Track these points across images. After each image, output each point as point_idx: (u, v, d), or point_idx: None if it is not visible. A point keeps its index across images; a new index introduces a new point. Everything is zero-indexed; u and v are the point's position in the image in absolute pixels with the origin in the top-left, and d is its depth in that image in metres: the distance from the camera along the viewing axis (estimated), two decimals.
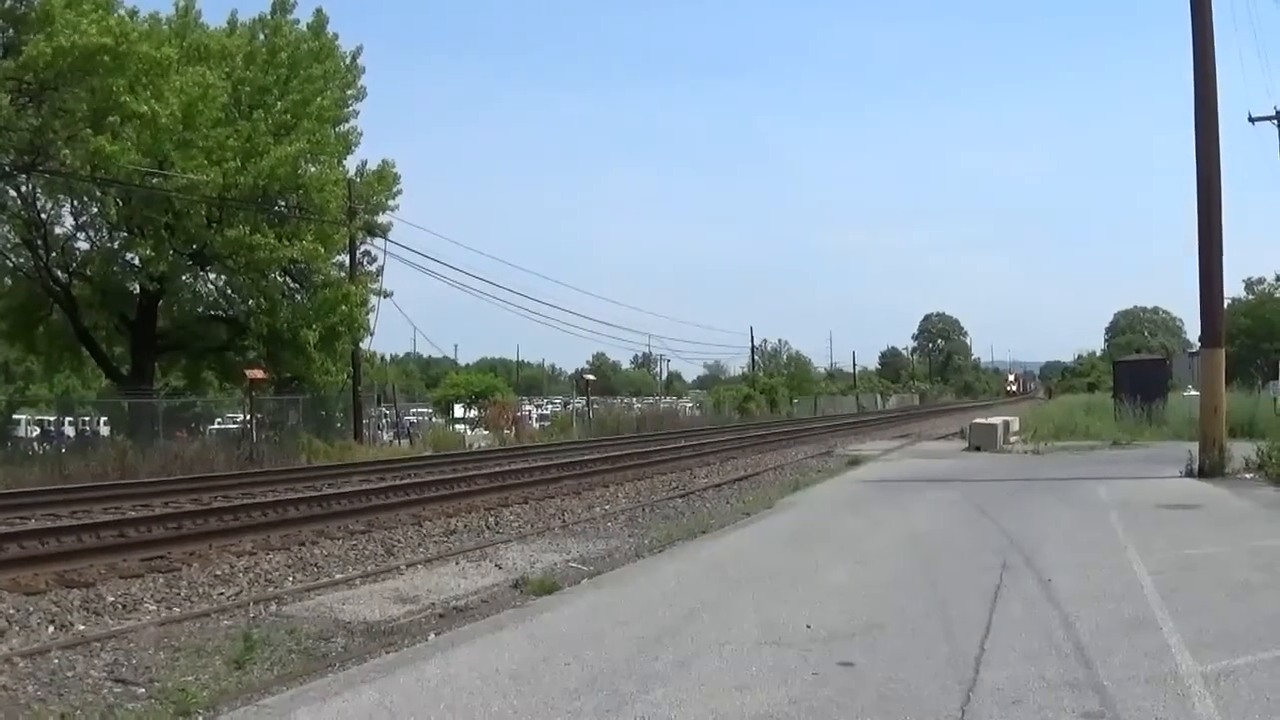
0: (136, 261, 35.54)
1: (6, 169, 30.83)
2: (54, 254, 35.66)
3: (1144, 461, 24.54)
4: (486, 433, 49.91)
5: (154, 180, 32.81)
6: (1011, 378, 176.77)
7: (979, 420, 36.01)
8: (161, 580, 12.32)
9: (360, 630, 9.34)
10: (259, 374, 34.29)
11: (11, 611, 10.39)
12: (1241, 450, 21.20)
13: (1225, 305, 25.99)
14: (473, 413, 59.15)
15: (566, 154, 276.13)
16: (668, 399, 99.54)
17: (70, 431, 38.25)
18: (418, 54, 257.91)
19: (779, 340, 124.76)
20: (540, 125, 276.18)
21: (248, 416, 35.68)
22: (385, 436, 45.96)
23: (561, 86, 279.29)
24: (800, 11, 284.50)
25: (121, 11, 31.43)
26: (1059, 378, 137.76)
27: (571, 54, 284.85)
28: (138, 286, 36.01)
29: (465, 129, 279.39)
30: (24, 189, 34.45)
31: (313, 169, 37.08)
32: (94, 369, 41.88)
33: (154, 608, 10.86)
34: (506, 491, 21.87)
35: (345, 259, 40.50)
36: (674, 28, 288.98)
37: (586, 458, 31.43)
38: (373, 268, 41.79)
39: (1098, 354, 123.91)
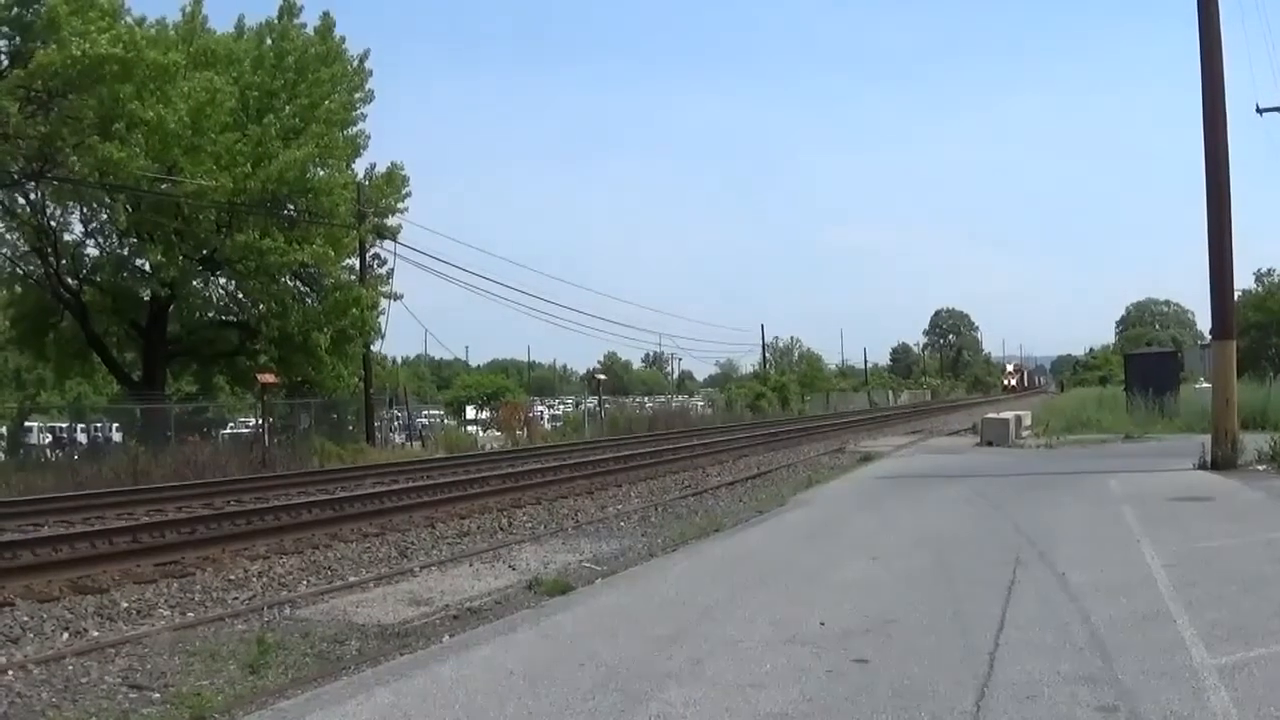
0: (146, 267, 35.62)
1: (15, 177, 30.90)
2: (64, 261, 35.75)
3: (1156, 455, 24.49)
4: (499, 434, 49.97)
5: (163, 186, 32.89)
6: (1010, 368, 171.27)
7: (991, 415, 35.96)
8: (175, 585, 12.34)
9: (374, 633, 9.36)
10: (270, 378, 34.33)
11: (26, 619, 10.43)
12: (1254, 442, 21.14)
13: (1236, 297, 25.91)
14: (485, 414, 59.21)
15: (574, 153, 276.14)
16: (679, 398, 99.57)
17: (82, 438, 38.43)
18: (421, 53, 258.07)
19: (790, 338, 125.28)
20: (547, 124, 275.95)
21: (260, 421, 35.72)
22: (397, 439, 46.00)
23: (568, 83, 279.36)
24: (806, 6, 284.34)
25: (129, 19, 31.56)
26: (1070, 371, 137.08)
27: (577, 49, 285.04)
28: (148, 292, 36.04)
29: (470, 128, 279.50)
30: (33, 196, 34.62)
31: (321, 172, 37.19)
32: (105, 375, 41.98)
33: (168, 613, 10.88)
34: (519, 492, 21.89)
35: (355, 262, 40.60)
36: (681, 23, 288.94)
37: (599, 457, 31.45)
38: (383, 270, 41.92)
39: (1109, 347, 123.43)
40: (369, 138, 39.94)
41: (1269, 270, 66.28)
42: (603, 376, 70.86)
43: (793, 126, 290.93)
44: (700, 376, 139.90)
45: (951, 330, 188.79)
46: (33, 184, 32.58)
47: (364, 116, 39.92)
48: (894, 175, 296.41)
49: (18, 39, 29.45)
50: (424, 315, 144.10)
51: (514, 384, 73.03)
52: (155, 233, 34.48)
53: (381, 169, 41.51)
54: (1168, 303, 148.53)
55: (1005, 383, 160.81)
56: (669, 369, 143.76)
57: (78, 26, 28.34)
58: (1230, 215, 20.95)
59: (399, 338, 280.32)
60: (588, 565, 12.71)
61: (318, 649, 8.82)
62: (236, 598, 11.65)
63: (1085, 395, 55.09)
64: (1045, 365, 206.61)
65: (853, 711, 6.19)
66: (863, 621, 8.45)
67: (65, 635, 9.93)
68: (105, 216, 35.63)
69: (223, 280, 38.78)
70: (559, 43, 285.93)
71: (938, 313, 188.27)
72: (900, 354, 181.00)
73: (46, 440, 38.36)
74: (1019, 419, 35.26)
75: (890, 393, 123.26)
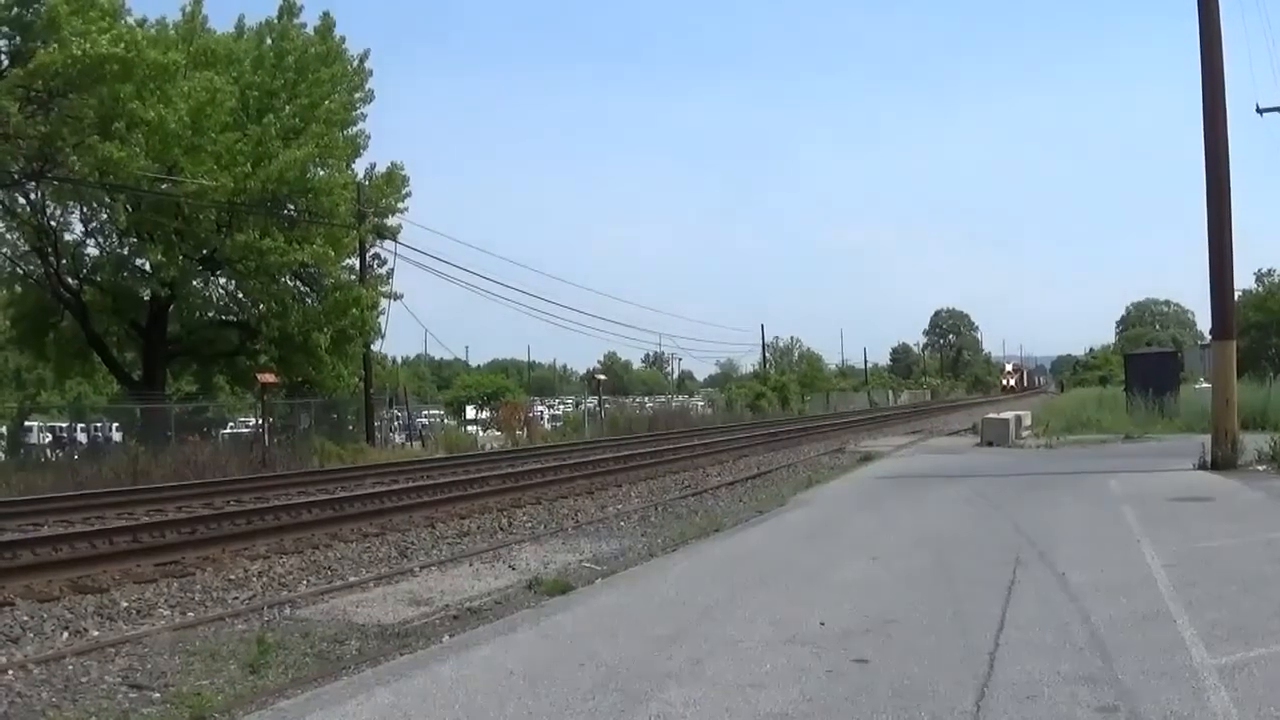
0: (147, 267, 35.64)
1: (15, 176, 30.90)
2: (64, 261, 35.75)
3: (1156, 455, 24.48)
4: (499, 434, 49.97)
5: (163, 186, 32.88)
6: (1009, 368, 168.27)
7: (991, 415, 35.96)
8: (175, 585, 12.35)
9: (374, 633, 9.36)
10: (270, 378, 34.33)
11: (26, 618, 10.43)
12: (1254, 442, 21.13)
13: (1236, 297, 25.90)
14: (485, 414, 59.20)
15: (575, 152, 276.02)
16: (680, 398, 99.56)
17: (82, 438, 38.42)
18: (422, 52, 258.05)
19: (790, 338, 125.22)
20: (545, 124, 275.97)
21: (260, 420, 35.73)
22: (397, 439, 46.01)
23: (568, 84, 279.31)
24: (806, 5, 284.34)
25: (131, 20, 31.57)
26: (1070, 371, 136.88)
27: (577, 49, 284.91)
28: (148, 292, 36.05)
29: (467, 129, 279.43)
30: (33, 196, 34.61)
31: (321, 172, 37.19)
32: (105, 375, 42.01)
33: (168, 612, 10.88)
34: (519, 492, 21.88)
35: (355, 262, 40.59)
36: (682, 22, 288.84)
37: (599, 457, 31.45)
38: (383, 270, 41.91)
39: (1109, 347, 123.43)
40: (369, 137, 40.03)
41: (1269, 270, 66.33)
42: (603, 376, 70.80)
43: (793, 126, 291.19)
44: (700, 376, 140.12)
45: (951, 330, 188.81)
46: (33, 184, 32.58)
47: (364, 116, 40.02)
48: (894, 175, 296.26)
49: (18, 39, 29.43)
50: (424, 315, 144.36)
51: (514, 384, 73.05)
52: (155, 232, 34.48)
53: (381, 168, 41.58)
54: (1168, 303, 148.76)
55: (1004, 383, 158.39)
56: (669, 369, 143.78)
57: (78, 26, 28.34)
58: (1231, 215, 20.97)
59: (399, 338, 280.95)
60: (588, 565, 12.71)
61: (318, 649, 8.82)
62: (237, 597, 11.66)
63: (1085, 395, 55.08)
64: (1045, 365, 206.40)
65: (853, 711, 6.19)
66: (863, 621, 8.45)
67: (65, 635, 9.93)
68: (105, 216, 35.63)
69: (223, 280, 38.82)
70: (560, 42, 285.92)
71: (938, 313, 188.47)
72: (900, 354, 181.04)
73: (46, 440, 38.35)
74: (1019, 419, 35.26)
75: (890, 393, 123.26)
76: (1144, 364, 42.27)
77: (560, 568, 12.43)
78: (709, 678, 6.98)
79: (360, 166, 40.66)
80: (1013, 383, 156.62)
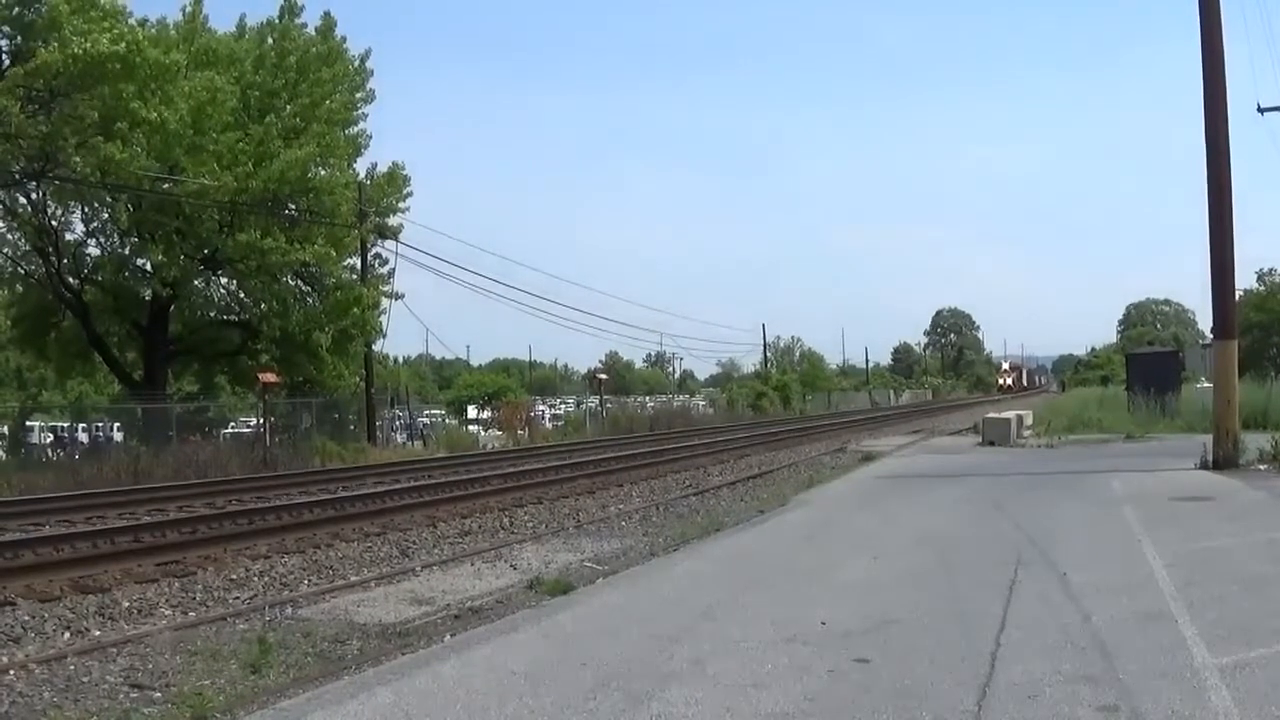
0: (148, 267, 35.66)
1: (17, 176, 30.90)
2: (65, 260, 35.75)
3: (1157, 454, 24.44)
4: (500, 433, 49.96)
5: (165, 185, 32.89)
6: (1006, 366, 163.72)
7: (992, 415, 35.90)
8: (177, 585, 12.35)
9: (376, 632, 9.36)
10: (272, 378, 34.33)
11: (27, 618, 10.43)
12: (1255, 442, 21.10)
13: (1237, 297, 25.89)
14: (486, 413, 59.19)
15: (575, 153, 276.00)
16: (681, 397, 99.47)
17: (84, 438, 38.41)
18: (423, 54, 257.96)
19: (792, 337, 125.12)
20: (548, 124, 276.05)
21: (261, 420, 35.74)
22: (399, 438, 46.04)
23: (569, 85, 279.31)
24: (804, 5, 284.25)
25: (133, 20, 31.55)
26: (1072, 371, 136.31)
27: (577, 52, 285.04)
28: (149, 292, 36.04)
29: (471, 129, 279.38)
30: (34, 196, 34.62)
31: (323, 172, 37.17)
32: (106, 375, 42.03)
33: (169, 612, 10.89)
34: (521, 492, 21.87)
35: (357, 261, 40.59)
36: (681, 23, 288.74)
37: (600, 457, 31.43)
38: (384, 270, 41.91)
39: (1111, 347, 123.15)
40: (370, 137, 40.08)
41: (1270, 270, 66.27)
42: (604, 376, 70.72)
43: (794, 125, 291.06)
44: (702, 376, 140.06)
45: (953, 330, 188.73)
46: (34, 183, 32.60)
47: (365, 116, 40.02)
48: (894, 175, 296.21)
49: (19, 38, 29.43)
50: (425, 315, 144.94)
51: (515, 383, 73.00)
52: (156, 232, 34.50)
53: (383, 168, 41.58)
54: (1169, 302, 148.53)
55: (1000, 382, 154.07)
56: (670, 369, 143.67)
57: (79, 26, 28.31)
58: (1232, 214, 20.93)
59: (400, 337, 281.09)
60: (589, 565, 12.71)
61: (319, 648, 8.82)
62: (238, 597, 11.66)
63: (1087, 395, 55.09)
64: (1047, 365, 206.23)
65: (854, 711, 6.19)
66: (864, 621, 8.45)
67: (67, 634, 9.94)
68: (107, 216, 35.64)
69: (224, 280, 38.86)
70: (561, 42, 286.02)
71: (939, 312, 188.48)
72: (902, 354, 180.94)
73: (48, 440, 38.33)
74: (1020, 419, 35.22)
75: (891, 392, 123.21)
76: (1145, 363, 42.19)
77: (561, 567, 12.43)
78: (710, 677, 6.97)
79: (362, 166, 40.74)
80: (1010, 381, 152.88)
